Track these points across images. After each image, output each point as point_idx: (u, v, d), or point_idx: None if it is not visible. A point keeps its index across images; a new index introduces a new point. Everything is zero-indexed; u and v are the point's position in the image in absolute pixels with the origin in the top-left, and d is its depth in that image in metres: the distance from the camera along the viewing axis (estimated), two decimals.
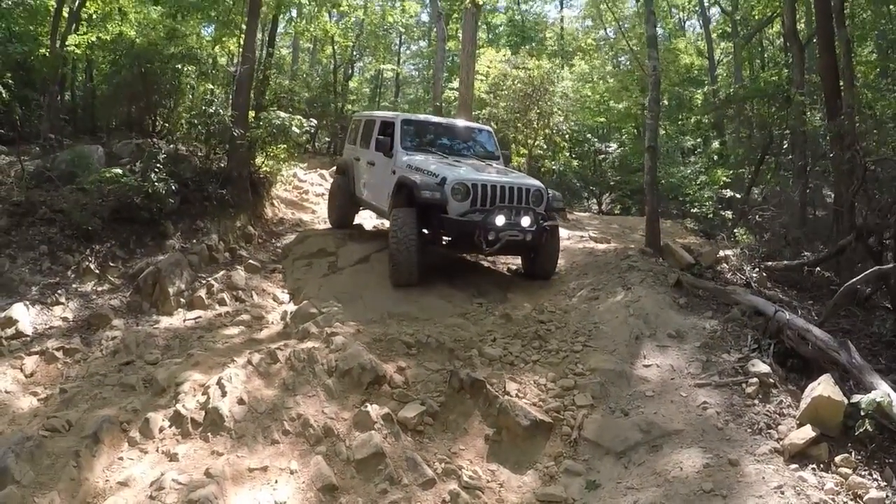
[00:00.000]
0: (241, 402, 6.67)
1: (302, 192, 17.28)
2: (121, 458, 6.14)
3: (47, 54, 15.07)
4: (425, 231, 10.64)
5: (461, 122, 14.75)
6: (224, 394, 6.71)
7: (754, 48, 27.42)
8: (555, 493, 5.96)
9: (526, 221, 10.46)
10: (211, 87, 14.70)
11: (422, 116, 14.94)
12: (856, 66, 18.52)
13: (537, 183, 11.28)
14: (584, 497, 5.84)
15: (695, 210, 18.73)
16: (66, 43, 15.27)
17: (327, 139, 29.30)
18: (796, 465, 5.74)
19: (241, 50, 14.73)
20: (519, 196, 10.62)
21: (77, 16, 16.11)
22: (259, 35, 17.20)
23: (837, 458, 5.82)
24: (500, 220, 10.28)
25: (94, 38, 15.73)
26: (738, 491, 5.39)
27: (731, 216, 17.29)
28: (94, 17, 17.05)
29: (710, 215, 18.02)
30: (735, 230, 15.48)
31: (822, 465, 5.78)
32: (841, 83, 12.99)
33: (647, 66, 13.38)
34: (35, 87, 16.11)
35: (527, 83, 19.66)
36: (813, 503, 5.15)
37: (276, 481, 5.81)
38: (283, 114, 14.33)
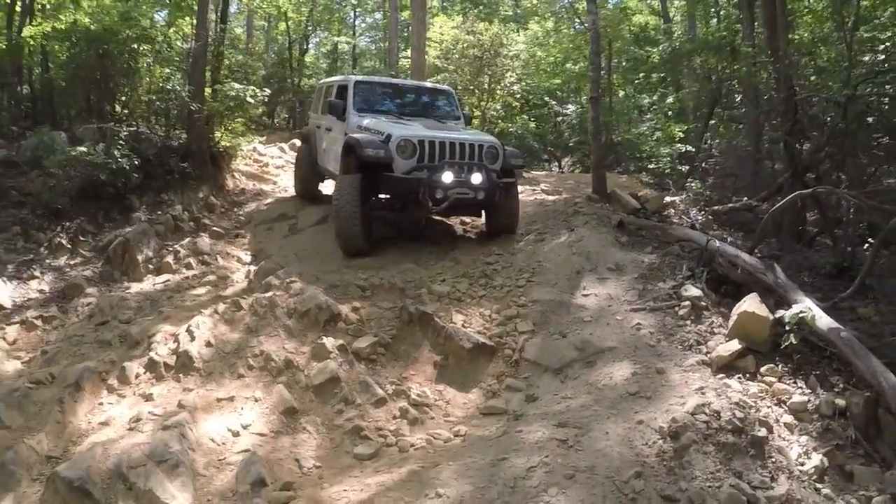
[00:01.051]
0: (208, 344, 7.19)
1: (262, 166, 17.50)
2: (101, 404, 6.65)
3: (3, 47, 15.29)
4: (381, 196, 10.18)
5: (419, 84, 14.45)
6: (193, 339, 7.21)
7: (709, 5, 27.64)
8: (497, 406, 6.50)
9: (477, 179, 9.88)
10: (167, 70, 14.93)
11: (377, 78, 14.78)
12: (804, 14, 18.96)
13: (492, 139, 10.74)
14: (522, 408, 6.33)
15: (652, 166, 19.08)
16: (23, 34, 15.47)
17: (286, 115, 29.53)
18: (723, 375, 6.17)
19: (194, 29, 15.03)
20: (471, 153, 10.01)
21: (30, 7, 16.28)
22: (212, 16, 17.43)
23: (763, 369, 6.27)
24: (447, 178, 9.72)
25: (48, 29, 15.95)
26: (662, 393, 5.85)
27: (686, 170, 17.66)
28: (48, 7, 17.26)
29: (668, 170, 18.38)
30: (687, 181, 15.90)
31: (748, 375, 6.22)
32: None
33: (587, 21, 13.78)
34: None
35: (477, 46, 19.99)
36: (733, 402, 5.52)
37: (242, 408, 6.34)
38: (237, 85, 14.65)
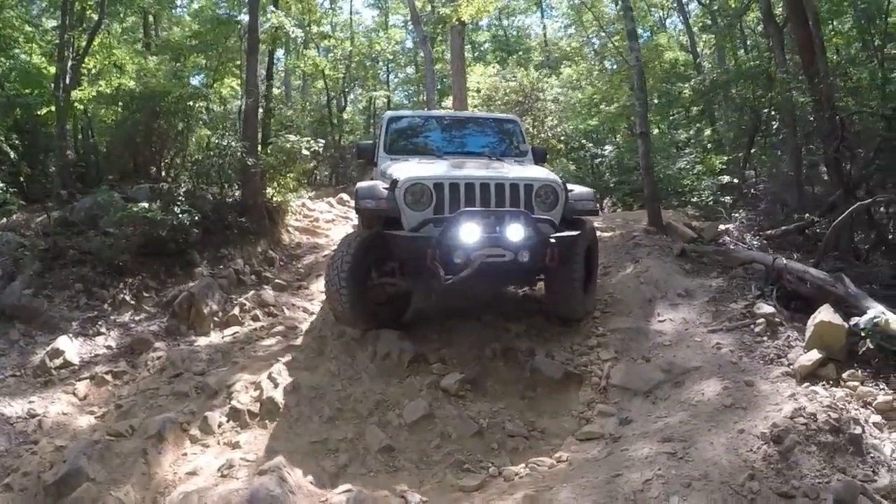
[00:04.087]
0: (292, 390, 7.23)
1: (312, 220, 17.71)
2: (185, 454, 6.62)
3: (52, 111, 15.63)
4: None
5: (471, 115, 12.33)
6: (276, 385, 7.27)
7: (736, 37, 27.85)
8: (593, 431, 6.48)
9: (517, 233, 7.03)
10: (217, 128, 15.19)
11: (418, 111, 13.01)
12: (832, 37, 19.07)
13: (546, 176, 7.85)
14: (619, 431, 6.31)
15: (695, 200, 18.98)
16: (71, 98, 15.81)
17: (327, 171, 29.91)
18: (808, 384, 6.21)
19: (243, 85, 15.35)
20: (513, 196, 7.35)
21: (76, 73, 16.64)
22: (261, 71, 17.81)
23: (845, 375, 6.36)
24: (468, 234, 6.94)
25: (94, 93, 16.29)
26: (756, 403, 5.91)
27: (730, 200, 17.59)
28: (92, 72, 17.64)
29: (711, 202, 18.28)
30: (733, 211, 15.85)
31: (831, 382, 6.30)
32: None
33: (630, 58, 13.90)
34: (38, 147, 16.70)
35: (518, 92, 20.12)
36: (825, 405, 5.54)
37: (337, 449, 6.35)
38: (292, 137, 14.91)
